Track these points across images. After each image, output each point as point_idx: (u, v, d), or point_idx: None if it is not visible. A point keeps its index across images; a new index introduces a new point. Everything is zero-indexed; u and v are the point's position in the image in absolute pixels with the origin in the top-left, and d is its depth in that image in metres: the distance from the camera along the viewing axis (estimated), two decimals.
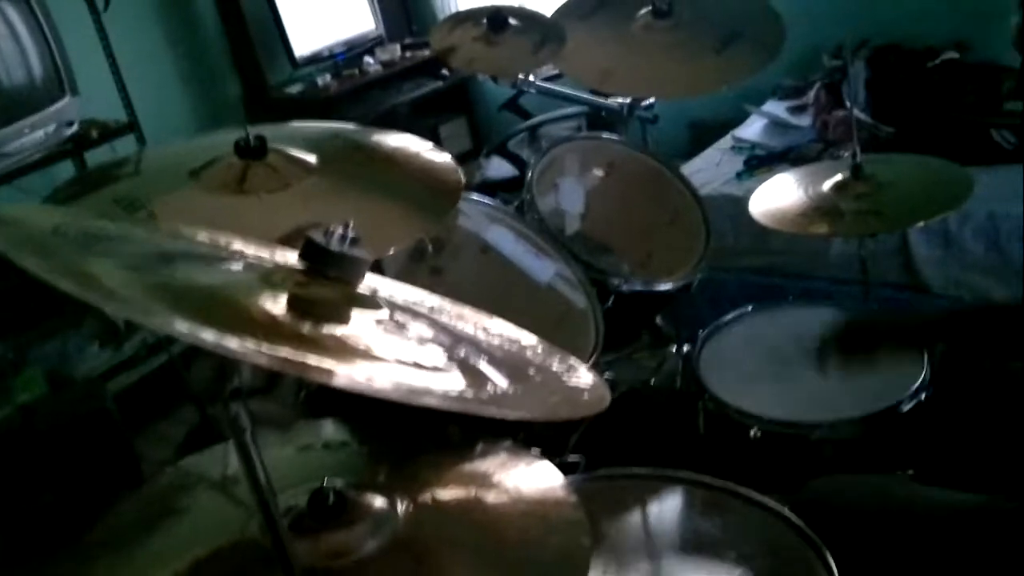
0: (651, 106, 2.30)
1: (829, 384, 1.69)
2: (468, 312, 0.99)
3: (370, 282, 0.88)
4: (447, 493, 1.02)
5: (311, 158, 1.28)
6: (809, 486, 1.38)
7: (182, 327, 0.66)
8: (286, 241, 1.00)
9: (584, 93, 2.52)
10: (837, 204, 1.83)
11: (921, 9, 3.18)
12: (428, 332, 0.88)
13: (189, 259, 0.86)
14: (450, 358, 0.83)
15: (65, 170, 3.09)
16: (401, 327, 0.85)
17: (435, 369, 0.79)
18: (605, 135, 2.27)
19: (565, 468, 1.38)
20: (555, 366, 0.95)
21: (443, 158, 1.38)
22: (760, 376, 1.75)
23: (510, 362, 0.91)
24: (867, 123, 2.82)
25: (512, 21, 2.09)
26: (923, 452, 1.42)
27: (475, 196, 1.88)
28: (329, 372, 0.69)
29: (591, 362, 1.62)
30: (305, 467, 1.14)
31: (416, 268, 1.74)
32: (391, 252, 1.63)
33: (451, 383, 0.78)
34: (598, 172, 2.15)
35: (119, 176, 1.30)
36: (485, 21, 2.08)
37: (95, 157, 3.05)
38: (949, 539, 1.23)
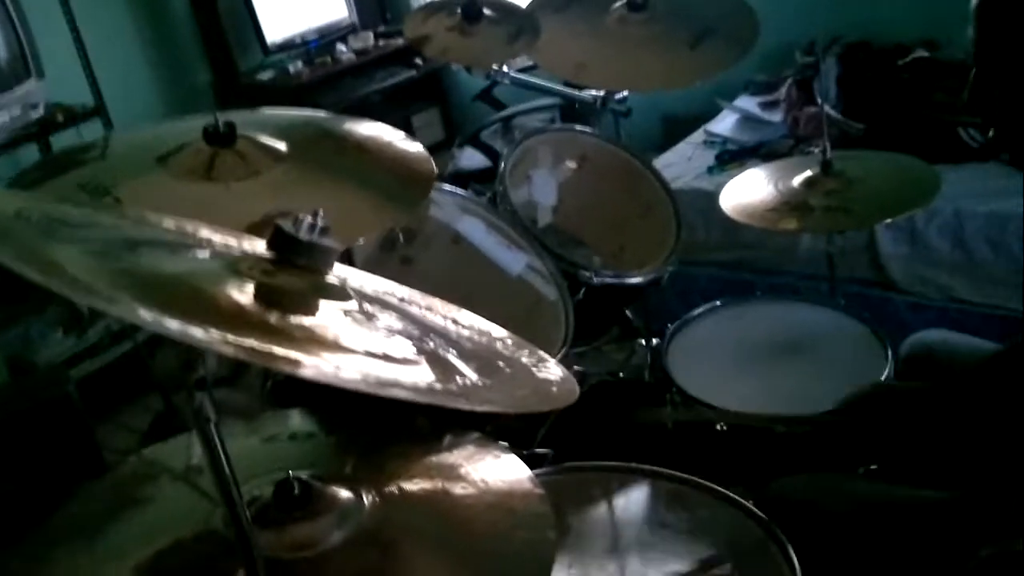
0: (624, 99, 2.30)
1: (795, 379, 1.70)
2: (438, 304, 0.99)
3: (339, 272, 0.87)
4: (414, 485, 1.01)
5: (281, 145, 1.26)
6: (772, 485, 1.39)
7: (146, 316, 0.65)
8: (255, 229, 0.99)
9: (558, 85, 2.52)
10: (806, 200, 1.85)
11: (892, 7, 3.22)
12: (397, 323, 0.87)
13: (155, 246, 0.85)
14: (419, 350, 0.82)
15: (30, 154, 3.04)
16: (370, 318, 0.84)
17: (404, 361, 0.79)
18: (578, 127, 2.26)
19: (533, 461, 1.39)
20: (525, 359, 0.95)
21: (415, 148, 1.37)
22: (728, 370, 1.76)
23: (480, 354, 0.91)
24: (838, 120, 2.84)
25: (487, 11, 2.08)
26: (887, 448, 1.44)
27: (447, 187, 1.88)
28: (296, 363, 0.68)
29: (561, 355, 1.62)
30: (271, 458, 1.13)
31: (387, 258, 1.73)
32: (361, 242, 1.62)
33: (420, 375, 0.78)
34: (571, 164, 2.15)
35: (85, 161, 1.29)
36: (459, 11, 2.07)
37: (61, 141, 3.01)
38: (910, 535, 1.24)
